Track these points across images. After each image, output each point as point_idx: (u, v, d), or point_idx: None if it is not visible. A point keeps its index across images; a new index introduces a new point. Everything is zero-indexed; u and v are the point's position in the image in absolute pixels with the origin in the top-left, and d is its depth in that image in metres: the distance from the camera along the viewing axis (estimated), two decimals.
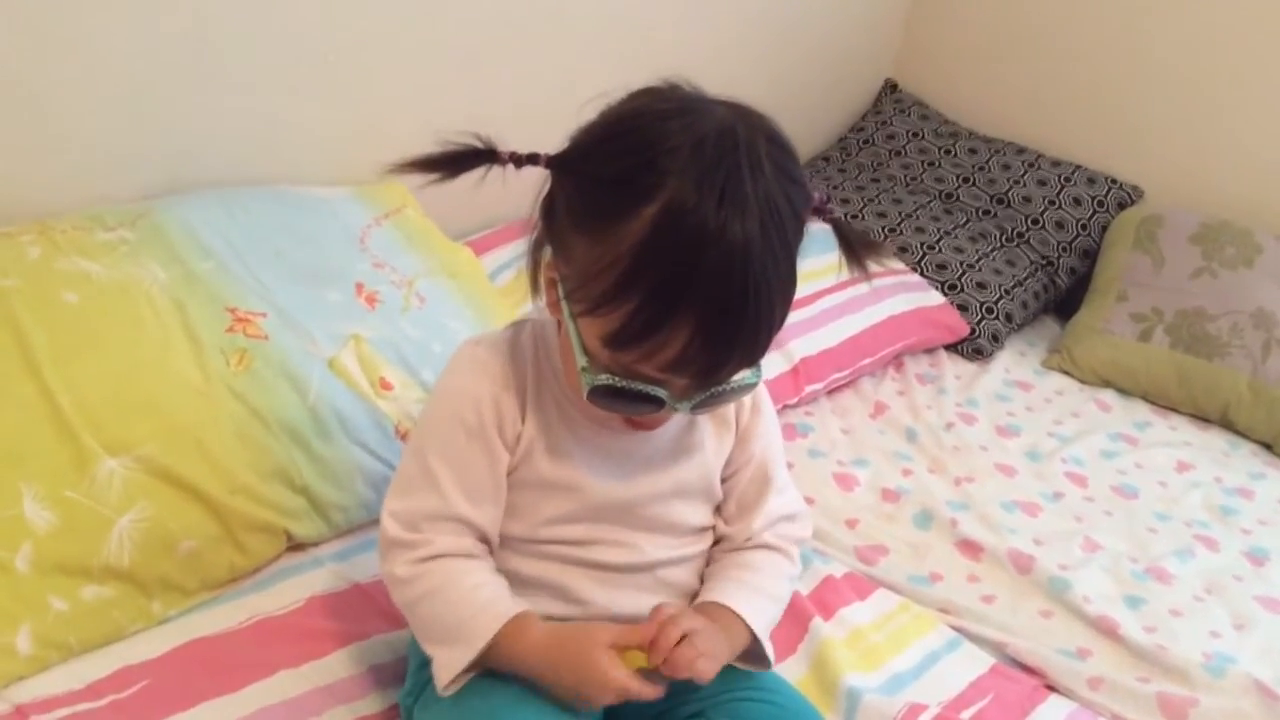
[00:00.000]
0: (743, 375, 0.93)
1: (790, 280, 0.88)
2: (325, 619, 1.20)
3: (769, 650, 1.05)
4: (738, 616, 1.02)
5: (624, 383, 0.89)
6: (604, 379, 0.89)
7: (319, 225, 1.56)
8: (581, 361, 0.91)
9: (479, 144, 0.91)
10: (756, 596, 1.05)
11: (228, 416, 1.24)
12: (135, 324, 1.26)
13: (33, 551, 1.08)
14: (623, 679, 0.91)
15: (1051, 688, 1.36)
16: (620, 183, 0.84)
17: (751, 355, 0.89)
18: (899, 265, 2.29)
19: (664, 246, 0.82)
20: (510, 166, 0.91)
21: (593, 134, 0.89)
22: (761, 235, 0.83)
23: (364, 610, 1.22)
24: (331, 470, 1.30)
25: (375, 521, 1.34)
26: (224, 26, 1.53)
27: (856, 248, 0.95)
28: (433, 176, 0.91)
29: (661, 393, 0.89)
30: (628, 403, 0.91)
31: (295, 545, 1.30)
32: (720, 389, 0.92)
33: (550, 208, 0.92)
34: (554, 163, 0.90)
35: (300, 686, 1.10)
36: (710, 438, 1.07)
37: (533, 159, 0.90)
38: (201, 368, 1.26)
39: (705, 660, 0.93)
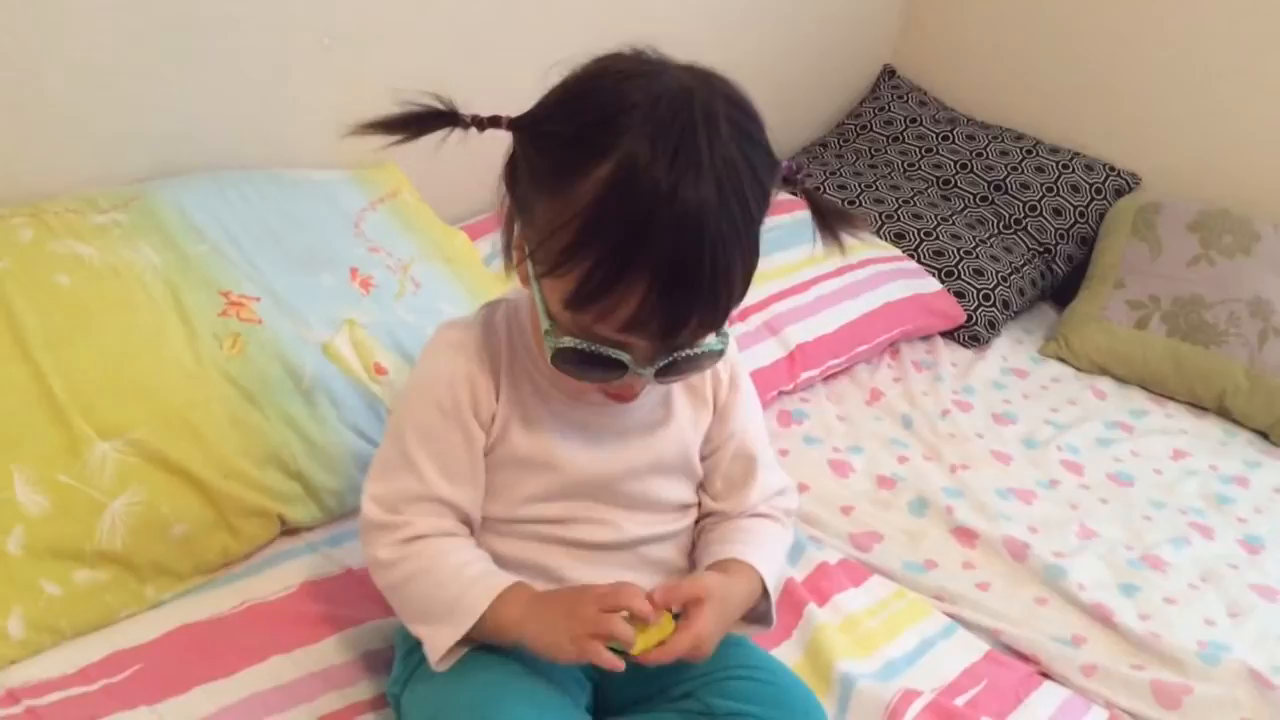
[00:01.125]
0: (708, 342, 0.92)
1: (752, 243, 0.87)
2: (318, 604, 1.20)
3: (774, 610, 1.07)
4: (753, 569, 1.03)
5: (586, 345, 0.89)
6: (566, 342, 0.89)
7: (314, 209, 1.55)
8: (545, 325, 0.91)
9: (440, 105, 0.91)
10: (763, 554, 1.06)
11: (221, 400, 1.23)
12: (128, 307, 1.25)
13: (25, 535, 1.08)
14: (600, 617, 0.90)
15: (1045, 675, 1.37)
16: (578, 140, 0.84)
17: (711, 317, 0.89)
18: (895, 251, 2.28)
19: (617, 204, 0.82)
20: (473, 130, 0.91)
21: (554, 95, 0.90)
22: (718, 195, 0.82)
23: (357, 595, 1.21)
24: (325, 454, 1.29)
25: None
26: (219, 7, 1.52)
27: (829, 218, 0.94)
28: (394, 138, 0.91)
29: (624, 356, 0.89)
30: (591, 367, 0.91)
31: (288, 529, 1.29)
32: (684, 354, 0.91)
33: (513, 171, 0.92)
34: (515, 124, 0.90)
35: (293, 672, 1.10)
36: (686, 413, 1.07)
37: (494, 121, 0.90)
38: (195, 351, 1.25)
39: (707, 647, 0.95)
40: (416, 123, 0.91)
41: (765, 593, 1.05)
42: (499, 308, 1.04)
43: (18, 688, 1.03)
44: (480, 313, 1.05)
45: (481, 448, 1.00)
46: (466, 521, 1.02)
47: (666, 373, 0.93)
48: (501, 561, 1.01)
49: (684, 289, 0.84)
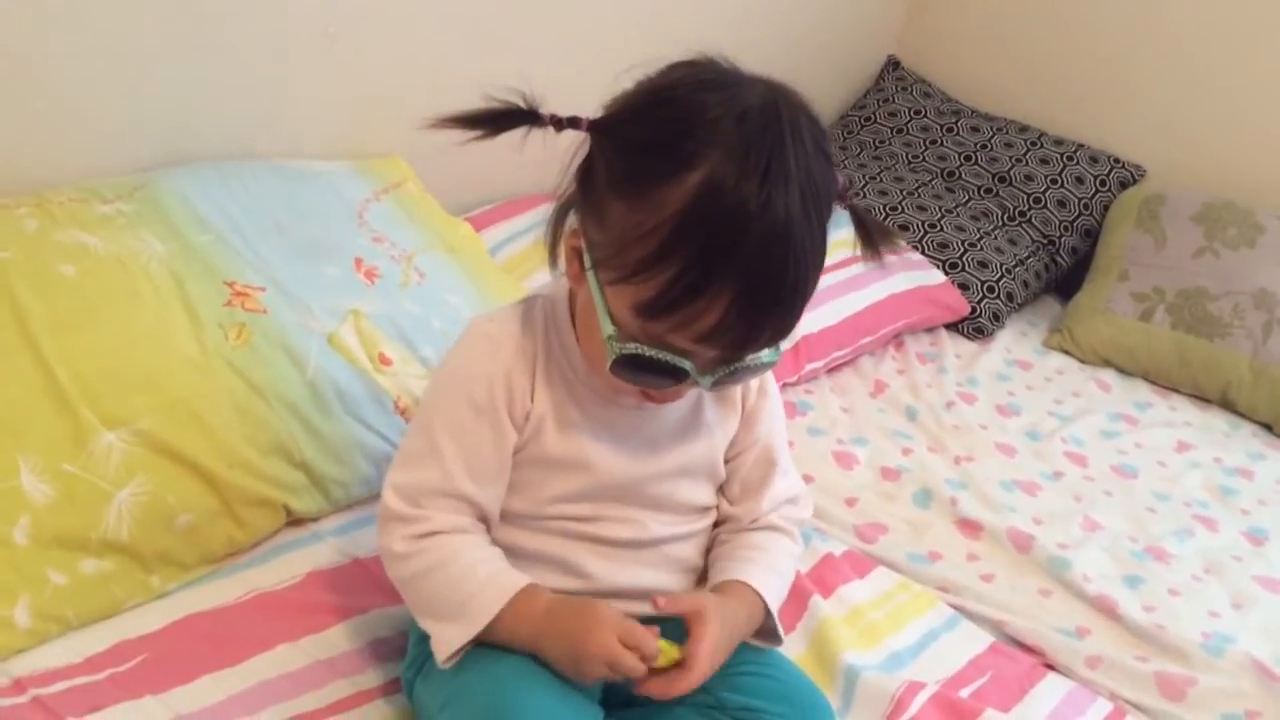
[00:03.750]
0: (765, 352, 0.93)
1: (823, 254, 0.88)
2: (324, 593, 1.20)
3: (780, 628, 1.07)
4: (756, 594, 1.04)
5: (652, 352, 0.89)
6: (632, 348, 0.89)
7: (318, 199, 1.55)
8: (608, 330, 0.90)
9: (522, 104, 0.90)
10: (769, 574, 1.06)
11: (226, 391, 1.23)
12: (133, 297, 1.25)
13: (31, 524, 1.08)
14: (616, 647, 0.91)
15: (1050, 666, 1.37)
16: (662, 148, 0.84)
17: (784, 328, 0.90)
18: (900, 244, 2.28)
19: (707, 216, 0.82)
20: (550, 130, 0.91)
21: (633, 101, 0.89)
22: (802, 209, 0.83)
23: (363, 585, 1.21)
24: (330, 445, 1.29)
25: (375, 497, 1.34)
26: None
27: (874, 235, 0.95)
28: (474, 134, 0.90)
29: (687, 364, 0.89)
30: (652, 374, 0.91)
31: (294, 520, 1.29)
32: (742, 365, 0.92)
33: (587, 172, 0.91)
34: (596, 126, 0.89)
35: (300, 660, 1.10)
36: (715, 418, 1.07)
37: (574, 122, 0.89)
38: (200, 341, 1.25)
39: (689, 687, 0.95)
40: (497, 120, 0.90)
41: (769, 612, 1.06)
42: (535, 303, 1.04)
43: (24, 677, 1.03)
44: (517, 308, 1.04)
45: (512, 446, 1.00)
46: (484, 519, 1.02)
47: (723, 382, 0.94)
48: (522, 555, 1.01)
49: (766, 301, 0.85)
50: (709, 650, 0.94)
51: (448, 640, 0.95)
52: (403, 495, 0.99)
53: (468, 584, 0.96)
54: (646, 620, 0.95)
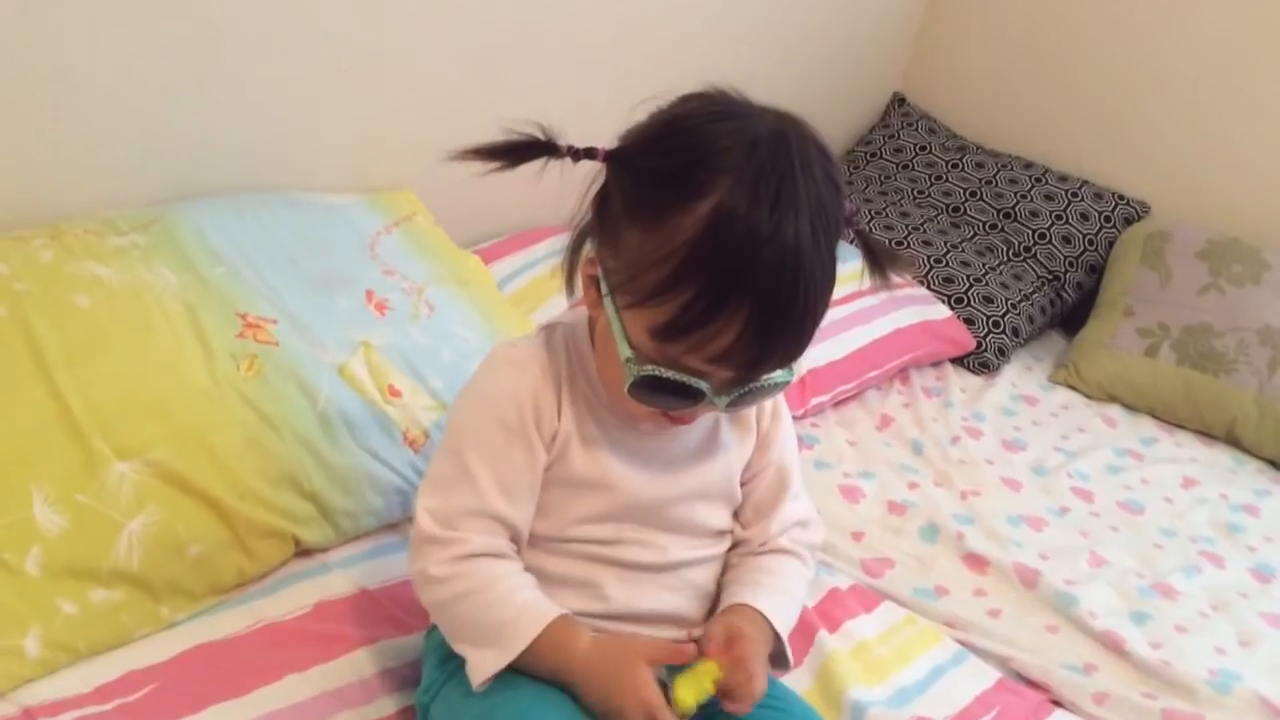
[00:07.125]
0: (779, 373, 0.95)
1: (833, 280, 0.91)
2: (332, 624, 1.20)
3: (789, 652, 1.08)
4: (765, 619, 1.05)
5: (669, 374, 0.91)
6: (649, 370, 0.91)
7: (330, 232, 1.56)
8: (626, 353, 0.92)
9: (540, 135, 0.93)
10: (779, 598, 1.07)
11: (237, 422, 1.24)
12: (146, 328, 1.26)
13: (42, 554, 1.08)
14: (653, 699, 0.92)
15: (1057, 703, 1.36)
16: (675, 177, 0.87)
17: (795, 350, 0.92)
18: (905, 277, 2.29)
19: (719, 242, 0.85)
20: (568, 160, 0.93)
21: (647, 132, 0.92)
22: (811, 235, 0.86)
23: (371, 616, 1.22)
24: (340, 476, 1.30)
25: (383, 528, 1.36)
26: (236, 33, 1.54)
27: (880, 258, 0.97)
28: (494, 165, 0.92)
29: (703, 385, 0.91)
30: (669, 395, 0.93)
31: (303, 551, 1.29)
32: (757, 385, 0.94)
33: (603, 200, 0.94)
34: (610, 156, 0.92)
35: (308, 691, 1.10)
36: (732, 441, 1.09)
37: (590, 153, 0.92)
38: (212, 373, 1.26)
39: (762, 689, 0.97)
40: (516, 151, 0.93)
41: (777, 635, 1.06)
42: (556, 330, 1.06)
43: (34, 706, 1.03)
44: (539, 334, 1.06)
45: (542, 465, 1.02)
46: (516, 539, 1.03)
47: (738, 403, 0.96)
48: (544, 577, 1.02)
49: (778, 323, 0.87)
50: (754, 648, 0.98)
51: (483, 665, 0.96)
52: (437, 518, 1.00)
53: (503, 611, 0.97)
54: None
